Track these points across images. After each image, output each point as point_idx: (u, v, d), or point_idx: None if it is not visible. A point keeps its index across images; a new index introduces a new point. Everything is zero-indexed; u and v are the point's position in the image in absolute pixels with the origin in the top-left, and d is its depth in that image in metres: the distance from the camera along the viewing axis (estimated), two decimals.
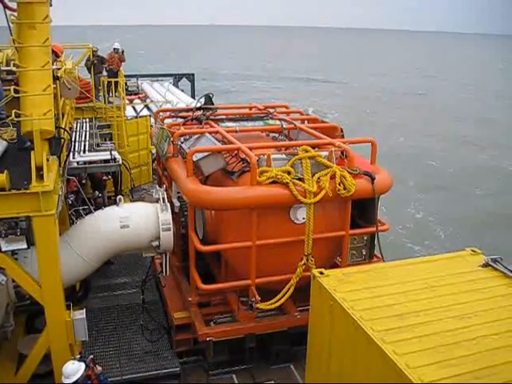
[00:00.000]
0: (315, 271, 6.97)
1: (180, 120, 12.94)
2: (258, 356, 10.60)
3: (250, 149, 9.74)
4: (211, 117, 12.66)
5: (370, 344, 5.46)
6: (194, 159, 9.83)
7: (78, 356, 8.56)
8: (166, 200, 10.05)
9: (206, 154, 10.03)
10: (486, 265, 7.06)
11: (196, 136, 11.35)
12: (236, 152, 10.67)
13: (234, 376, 10.48)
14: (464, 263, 7.21)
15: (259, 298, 9.64)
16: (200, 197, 9.45)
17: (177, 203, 11.13)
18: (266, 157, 9.52)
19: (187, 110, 13.81)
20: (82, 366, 7.99)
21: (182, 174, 10.04)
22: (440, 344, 5.30)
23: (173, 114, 13.71)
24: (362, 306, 6.04)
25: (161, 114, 14.06)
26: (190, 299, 10.56)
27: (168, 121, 13.09)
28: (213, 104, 13.71)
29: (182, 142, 11.42)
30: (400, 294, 6.33)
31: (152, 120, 23.95)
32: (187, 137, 11.64)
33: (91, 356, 8.65)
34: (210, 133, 11.27)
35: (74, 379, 7.83)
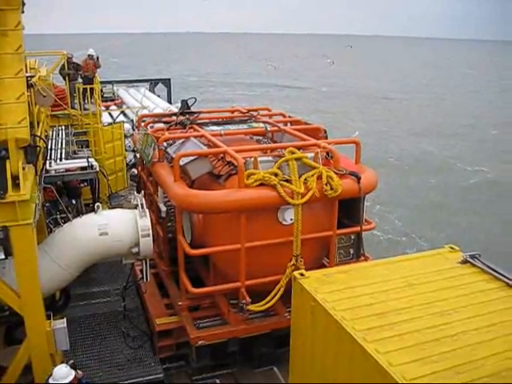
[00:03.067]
0: (295, 273, 6.99)
1: (161, 125, 12.95)
2: (241, 359, 10.60)
3: (236, 152, 9.77)
4: (195, 121, 12.65)
5: (352, 343, 5.48)
6: (181, 163, 9.82)
7: None
8: (145, 206, 10.00)
9: (192, 158, 10.02)
10: (464, 261, 7.14)
11: (181, 140, 11.33)
12: (222, 155, 10.69)
13: (217, 380, 10.46)
14: (443, 260, 7.28)
15: (250, 300, 9.64)
16: (189, 201, 9.44)
17: (163, 208, 11.09)
18: (252, 159, 9.53)
19: (171, 115, 13.79)
20: (73, 372, 7.97)
21: (169, 178, 10.00)
22: (421, 341, 5.35)
23: (156, 120, 13.68)
24: (344, 305, 6.06)
25: (144, 119, 14.04)
26: (180, 303, 10.53)
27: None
28: (189, 109, 13.69)
29: (166, 147, 11.39)
30: (380, 292, 6.37)
31: (127, 126, 23.90)
32: (171, 142, 11.61)
33: (71, 361, 8.60)
34: (195, 137, 11.27)
35: (63, 382, 7.80)
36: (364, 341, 5.35)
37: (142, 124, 13.45)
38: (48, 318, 8.98)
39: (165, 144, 11.34)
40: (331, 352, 6.00)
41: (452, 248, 7.60)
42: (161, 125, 13.20)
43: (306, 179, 9.51)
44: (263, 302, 9.71)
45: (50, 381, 7.84)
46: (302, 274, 6.89)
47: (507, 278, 6.61)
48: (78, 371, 8.40)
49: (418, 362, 5.00)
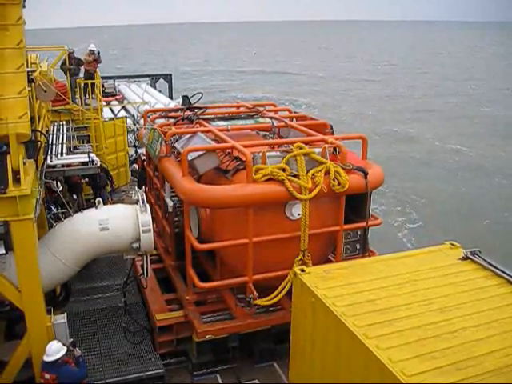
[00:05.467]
0: (296, 269, 6.99)
1: (163, 120, 12.97)
2: (241, 355, 10.61)
3: (244, 147, 9.79)
4: (201, 116, 12.66)
5: (352, 339, 5.48)
6: (189, 158, 9.83)
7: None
8: (146, 201, 10.00)
9: (200, 152, 10.03)
10: (465, 258, 7.14)
11: (188, 135, 11.32)
12: (229, 151, 10.71)
13: (218, 376, 10.47)
14: (443, 257, 7.28)
15: (257, 295, 9.68)
16: (197, 195, 9.48)
17: (170, 203, 11.12)
18: (260, 154, 9.55)
19: (177, 110, 13.80)
20: (65, 348, 8.32)
21: (177, 173, 10.03)
22: (422, 337, 5.35)
23: (162, 115, 13.71)
24: (344, 301, 6.06)
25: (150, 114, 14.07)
26: (187, 298, 10.57)
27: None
28: (191, 104, 13.69)
29: (173, 142, 11.40)
30: (381, 288, 6.37)
31: (128, 121, 23.89)
32: (177, 137, 11.59)
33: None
34: (202, 132, 11.27)
35: (55, 357, 8.15)
36: (364, 337, 5.35)
37: (148, 119, 13.46)
38: (48, 312, 8.99)
39: (172, 139, 11.35)
40: (331, 348, 6.01)
41: (453, 244, 7.60)
42: (162, 120, 13.21)
43: (313, 174, 9.54)
44: (270, 297, 9.74)
45: (44, 357, 8.20)
46: (302, 270, 6.89)
47: (508, 274, 6.61)
48: (77, 349, 8.69)
49: (418, 359, 5.01)
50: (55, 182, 12.49)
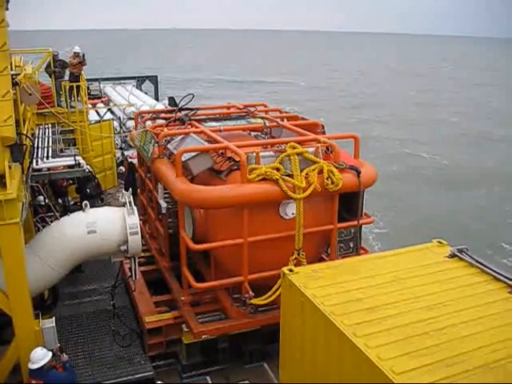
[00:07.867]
0: (284, 269, 7.00)
1: (155, 122, 12.98)
2: (231, 356, 10.60)
3: (238, 147, 9.79)
4: (193, 117, 12.66)
5: (341, 338, 5.50)
6: (183, 159, 9.81)
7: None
8: (133, 203, 9.97)
9: (193, 153, 10.01)
10: (452, 255, 7.18)
11: (180, 136, 11.30)
12: (222, 151, 10.71)
13: (208, 377, 10.46)
14: (431, 255, 7.32)
15: (253, 294, 9.67)
16: (192, 196, 9.46)
17: (164, 204, 11.09)
18: (254, 154, 9.55)
19: (168, 112, 13.77)
20: (49, 354, 8.27)
21: (171, 174, 10.02)
22: (410, 335, 5.37)
23: (154, 116, 13.68)
24: (333, 301, 6.08)
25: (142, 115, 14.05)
26: (182, 298, 10.55)
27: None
28: (177, 105, 13.67)
29: (165, 144, 11.35)
30: (369, 287, 6.39)
31: (115, 123, 23.79)
32: (168, 138, 11.56)
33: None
34: (195, 133, 11.26)
35: (40, 364, 8.13)
36: (353, 335, 5.37)
37: (140, 120, 13.42)
38: (36, 317, 8.94)
39: (164, 140, 11.31)
40: (321, 347, 6.02)
41: (440, 242, 7.65)
42: (149, 122, 13.17)
43: (307, 174, 9.56)
44: (266, 296, 9.71)
45: (29, 365, 8.19)
46: (290, 270, 6.90)
47: (494, 271, 6.66)
48: (64, 354, 8.65)
49: (407, 356, 5.03)
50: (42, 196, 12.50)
